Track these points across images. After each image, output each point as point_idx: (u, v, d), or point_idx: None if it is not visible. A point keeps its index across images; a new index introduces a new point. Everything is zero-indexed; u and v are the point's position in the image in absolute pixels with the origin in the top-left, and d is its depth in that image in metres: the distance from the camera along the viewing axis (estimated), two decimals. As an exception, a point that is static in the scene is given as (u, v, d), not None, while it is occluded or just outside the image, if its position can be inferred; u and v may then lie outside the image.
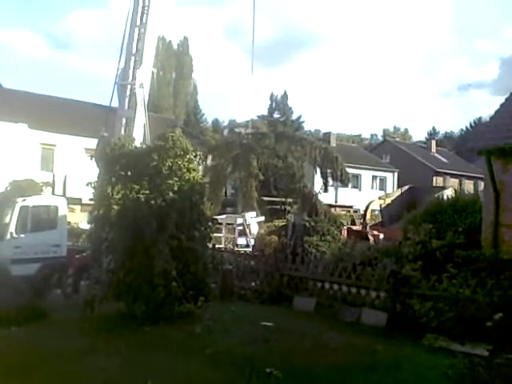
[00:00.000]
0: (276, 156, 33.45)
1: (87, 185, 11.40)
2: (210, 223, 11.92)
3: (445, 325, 9.99)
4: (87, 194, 11.95)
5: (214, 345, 8.48)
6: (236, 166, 33.31)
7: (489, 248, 11.46)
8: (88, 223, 15.13)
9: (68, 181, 17.32)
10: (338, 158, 36.20)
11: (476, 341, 9.27)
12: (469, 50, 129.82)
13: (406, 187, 31.72)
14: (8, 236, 14.52)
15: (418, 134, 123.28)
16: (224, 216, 28.05)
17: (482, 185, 16.18)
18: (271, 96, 48.75)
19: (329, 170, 35.39)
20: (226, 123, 75.38)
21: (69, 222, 17.76)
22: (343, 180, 35.25)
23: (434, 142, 66.22)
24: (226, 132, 39.34)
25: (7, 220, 14.94)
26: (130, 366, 7.85)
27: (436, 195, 20.45)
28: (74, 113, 34.84)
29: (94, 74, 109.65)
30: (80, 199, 18.99)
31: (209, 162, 34.15)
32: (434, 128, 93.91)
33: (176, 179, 11.01)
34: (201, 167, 16.65)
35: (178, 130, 12.49)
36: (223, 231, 26.65)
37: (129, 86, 17.02)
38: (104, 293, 10.85)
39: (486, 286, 9.98)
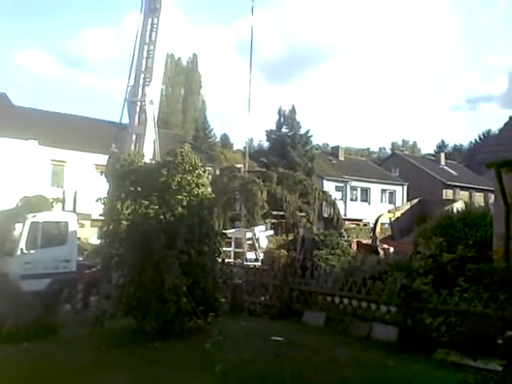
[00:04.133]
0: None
1: (97, 200, 11.46)
2: (219, 238, 11.91)
3: (457, 339, 9.88)
4: (97, 210, 12.03)
5: (225, 361, 8.44)
6: (241, 194, 33.70)
7: (500, 261, 11.34)
8: (98, 238, 15.22)
9: (78, 197, 17.45)
10: (336, 202, 36.92)
11: (489, 356, 9.17)
12: (478, 63, 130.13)
13: (416, 200, 31.61)
14: (18, 252, 14.63)
15: (427, 147, 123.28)
16: (233, 230, 28.06)
17: (492, 197, 16.05)
18: (279, 111, 48.70)
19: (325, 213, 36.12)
20: (234, 140, 75.65)
21: (79, 238, 17.84)
22: (339, 226, 35.95)
23: (443, 155, 66.05)
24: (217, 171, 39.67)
25: (18, 236, 15.06)
26: (140, 382, 7.83)
27: (446, 208, 20.33)
28: (84, 129, 35.16)
29: (105, 92, 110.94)
30: (90, 215, 19.16)
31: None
32: (442, 141, 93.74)
33: (185, 194, 11.04)
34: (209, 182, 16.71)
35: (186, 145, 12.61)
36: (232, 245, 26.63)
37: (139, 103, 17.24)
38: (114, 308, 10.85)
39: (498, 300, 9.88)
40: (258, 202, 33.12)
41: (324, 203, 36.84)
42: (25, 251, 14.67)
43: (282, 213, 34.84)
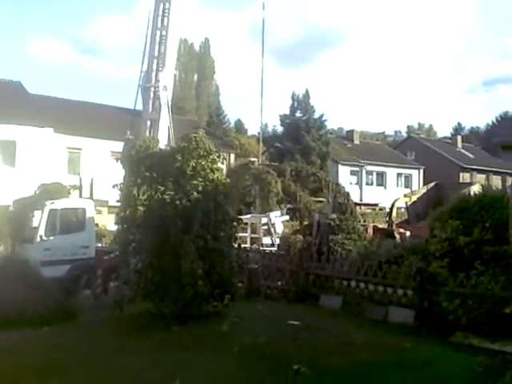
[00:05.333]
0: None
1: (113, 187, 11.56)
2: (234, 223, 11.97)
3: (474, 322, 9.86)
4: (114, 196, 12.13)
5: (242, 343, 8.54)
6: (256, 184, 33.82)
7: (517, 244, 11.25)
8: (115, 224, 15.37)
9: (95, 183, 17.59)
10: (349, 194, 36.78)
11: (507, 338, 9.14)
12: (495, 45, 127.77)
13: (432, 184, 31.41)
14: (38, 239, 14.85)
15: (443, 130, 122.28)
16: (249, 216, 28.12)
17: (509, 180, 15.90)
18: (293, 95, 48.36)
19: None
20: (248, 125, 75.37)
21: (96, 224, 18.03)
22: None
23: (459, 138, 65.34)
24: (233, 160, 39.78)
25: (37, 223, 15.27)
26: (159, 365, 7.97)
27: (462, 191, 20.16)
28: (99, 116, 35.33)
29: (120, 79, 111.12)
30: (107, 201, 19.32)
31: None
32: (459, 123, 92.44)
33: (200, 179, 11.09)
34: (224, 167, 16.75)
35: (201, 131, 12.60)
36: (248, 231, 26.71)
37: (152, 89, 17.25)
38: (132, 293, 11.00)
39: (516, 282, 9.83)
40: (273, 189, 33.22)
41: (337, 195, 36.75)
42: (44, 238, 14.88)
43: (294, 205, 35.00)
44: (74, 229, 15.70)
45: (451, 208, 13.43)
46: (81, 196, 17.19)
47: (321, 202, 35.70)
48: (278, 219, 28.44)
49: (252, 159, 40.96)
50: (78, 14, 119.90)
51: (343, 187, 38.19)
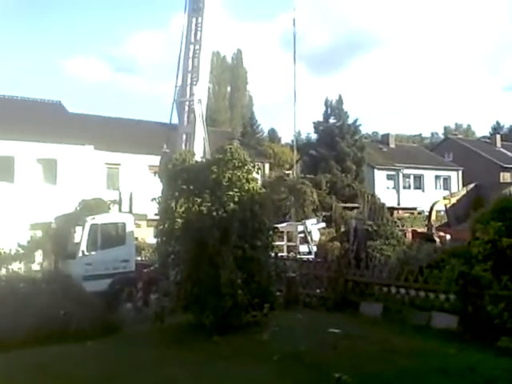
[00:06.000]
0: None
1: (152, 200, 11.76)
2: (271, 232, 12.00)
3: (521, 326, 9.61)
4: (152, 210, 12.33)
5: (282, 352, 8.52)
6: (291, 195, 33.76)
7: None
8: (154, 237, 15.61)
9: (133, 198, 17.92)
10: (385, 205, 36.38)
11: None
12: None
13: (472, 185, 30.59)
14: (80, 254, 15.21)
15: (482, 130, 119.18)
16: (285, 224, 28.10)
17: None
18: (326, 101, 48.18)
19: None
20: (281, 134, 75.42)
21: (136, 238, 18.35)
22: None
23: (498, 137, 63.75)
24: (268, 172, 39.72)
25: (78, 239, 15.65)
26: (200, 376, 8.01)
27: (503, 192, 19.68)
28: (136, 132, 36.03)
29: (156, 94, 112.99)
30: (145, 215, 19.63)
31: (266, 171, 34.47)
32: (497, 122, 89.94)
33: (236, 190, 11.17)
34: (259, 177, 16.83)
35: (235, 142, 12.75)
36: (285, 239, 26.68)
37: (187, 103, 17.52)
38: (173, 305, 11.12)
39: None
40: (308, 198, 33.12)
41: (372, 206, 36.34)
42: (86, 253, 15.23)
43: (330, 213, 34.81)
44: (115, 243, 16.01)
45: (492, 209, 13.14)
46: (120, 210, 17.55)
47: (357, 208, 35.36)
48: (315, 227, 28.30)
49: (287, 171, 40.94)
50: (113, 32, 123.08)
51: (379, 198, 37.71)
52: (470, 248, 12.10)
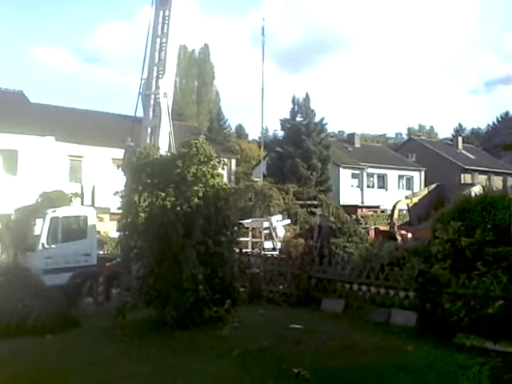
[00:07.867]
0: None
1: (115, 194, 11.59)
2: (235, 228, 11.99)
3: (476, 323, 9.87)
4: (115, 203, 12.15)
5: (243, 348, 8.54)
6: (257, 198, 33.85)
7: (519, 244, 11.24)
8: (117, 231, 15.39)
9: (96, 191, 17.61)
10: (349, 219, 37.06)
11: (509, 339, 9.14)
12: (496, 46, 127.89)
13: (434, 185, 31.20)
14: (40, 247, 14.87)
15: (444, 132, 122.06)
16: (250, 220, 28.10)
17: (511, 180, 15.89)
18: (293, 99, 48.31)
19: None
20: (249, 130, 75.58)
21: (98, 231, 18.05)
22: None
23: (460, 139, 65.20)
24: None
25: (39, 231, 15.30)
26: (161, 371, 7.97)
27: (464, 193, 20.16)
28: (100, 124, 35.38)
29: (122, 86, 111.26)
30: (108, 208, 19.32)
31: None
32: (460, 125, 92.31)
33: (201, 185, 11.12)
34: (225, 173, 16.78)
35: (201, 137, 12.66)
36: (249, 235, 26.70)
37: (153, 96, 17.26)
38: (134, 299, 11.00)
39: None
40: (275, 200, 33.23)
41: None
42: (46, 246, 14.90)
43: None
44: (76, 236, 15.71)
45: (453, 209, 13.45)
46: (82, 203, 17.22)
47: (316, 206, 35.65)
48: (280, 223, 28.38)
49: (256, 179, 41.01)
50: (80, 22, 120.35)
51: (344, 211, 38.11)
52: (430, 247, 12.37)
